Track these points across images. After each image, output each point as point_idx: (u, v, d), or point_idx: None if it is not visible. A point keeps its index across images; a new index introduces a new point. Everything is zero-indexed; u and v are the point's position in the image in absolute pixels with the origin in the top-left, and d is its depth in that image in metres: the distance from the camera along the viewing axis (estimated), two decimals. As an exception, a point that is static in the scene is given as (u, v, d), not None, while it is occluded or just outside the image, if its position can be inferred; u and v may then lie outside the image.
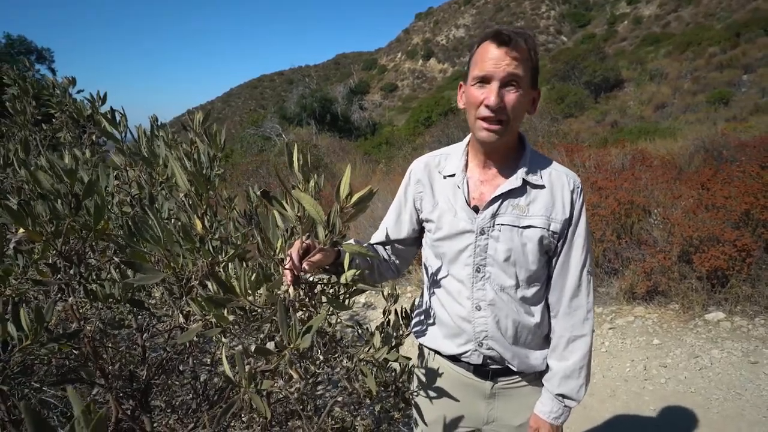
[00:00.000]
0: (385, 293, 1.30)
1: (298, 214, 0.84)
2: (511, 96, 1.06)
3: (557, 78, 22.95)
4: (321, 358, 1.09)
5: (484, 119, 1.08)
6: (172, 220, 1.09)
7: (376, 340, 1.10)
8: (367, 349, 1.10)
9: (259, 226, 0.94)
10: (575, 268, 1.18)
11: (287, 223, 0.92)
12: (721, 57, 19.90)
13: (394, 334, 1.19)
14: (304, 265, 0.91)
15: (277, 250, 0.91)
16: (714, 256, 3.81)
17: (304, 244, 0.91)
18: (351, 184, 0.82)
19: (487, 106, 1.06)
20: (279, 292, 0.87)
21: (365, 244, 1.31)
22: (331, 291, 1.14)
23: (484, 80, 1.07)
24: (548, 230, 1.14)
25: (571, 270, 1.19)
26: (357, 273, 0.94)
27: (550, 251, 1.19)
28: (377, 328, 1.15)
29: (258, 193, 0.92)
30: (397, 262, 1.35)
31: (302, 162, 0.82)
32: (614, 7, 45.92)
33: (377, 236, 1.36)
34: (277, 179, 0.86)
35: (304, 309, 0.96)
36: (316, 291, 1.03)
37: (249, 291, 0.80)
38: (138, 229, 0.84)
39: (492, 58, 1.05)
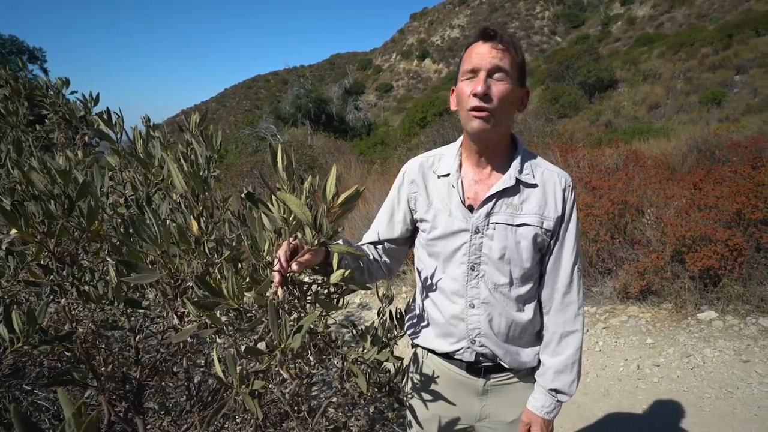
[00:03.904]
0: (380, 294, 1.30)
1: (284, 216, 0.84)
2: (498, 86, 1.09)
3: (551, 78, 23.03)
4: (311, 359, 1.09)
5: (473, 109, 1.11)
6: (167, 221, 1.08)
7: (367, 341, 1.10)
8: (359, 350, 1.10)
9: (247, 228, 0.94)
10: (567, 265, 1.20)
11: (275, 224, 0.91)
12: (714, 58, 20.04)
13: (387, 334, 1.19)
14: (293, 266, 0.91)
15: (264, 253, 0.90)
16: (706, 256, 3.84)
17: (291, 245, 0.91)
18: (345, 184, 0.82)
19: (474, 95, 1.09)
20: (268, 294, 0.86)
21: (356, 244, 1.32)
22: (325, 291, 1.15)
23: (473, 72, 1.11)
24: (541, 228, 1.17)
25: (563, 267, 1.21)
26: (346, 273, 0.94)
27: (543, 249, 1.21)
28: (367, 329, 1.15)
29: (242, 195, 0.91)
30: (389, 261, 1.36)
31: (286, 162, 0.82)
32: (608, 7, 46.14)
33: (369, 236, 1.37)
34: (270, 180, 0.85)
35: (293, 310, 0.96)
36: (309, 292, 1.03)
37: (238, 294, 0.79)
38: (136, 229, 0.84)
39: (479, 52, 1.10)
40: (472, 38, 1.15)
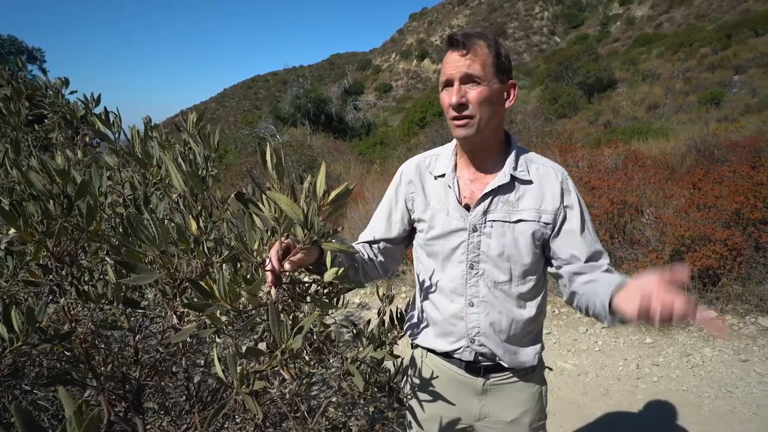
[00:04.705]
0: (380, 294, 1.30)
1: (275, 215, 0.83)
2: (472, 92, 1.11)
3: (551, 78, 23.05)
4: (307, 358, 1.09)
5: (454, 119, 1.14)
6: (166, 221, 1.08)
7: (363, 340, 1.10)
8: (357, 349, 1.10)
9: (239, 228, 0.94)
10: (582, 235, 1.18)
11: (267, 224, 0.91)
12: (713, 58, 20.07)
13: (387, 334, 1.19)
14: (286, 265, 0.90)
15: (254, 253, 0.90)
16: (705, 256, 3.84)
17: (284, 244, 0.91)
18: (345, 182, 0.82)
19: (451, 106, 1.12)
20: (261, 294, 0.86)
21: (351, 243, 1.32)
22: (325, 291, 1.15)
23: (448, 83, 1.14)
24: (539, 222, 1.17)
25: (581, 240, 1.18)
26: (340, 271, 0.94)
27: (543, 242, 1.21)
28: (361, 330, 1.15)
29: (233, 195, 0.91)
30: (385, 261, 1.36)
31: (276, 161, 0.81)
32: (607, 8, 46.17)
33: (365, 235, 1.37)
34: (268, 180, 0.85)
35: (288, 309, 0.95)
36: (309, 291, 1.03)
37: (230, 295, 0.78)
38: (134, 229, 0.84)
39: (450, 62, 1.13)
40: (444, 45, 1.17)
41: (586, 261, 1.18)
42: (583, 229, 1.19)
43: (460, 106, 1.11)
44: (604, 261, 1.20)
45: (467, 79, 1.10)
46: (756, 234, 3.94)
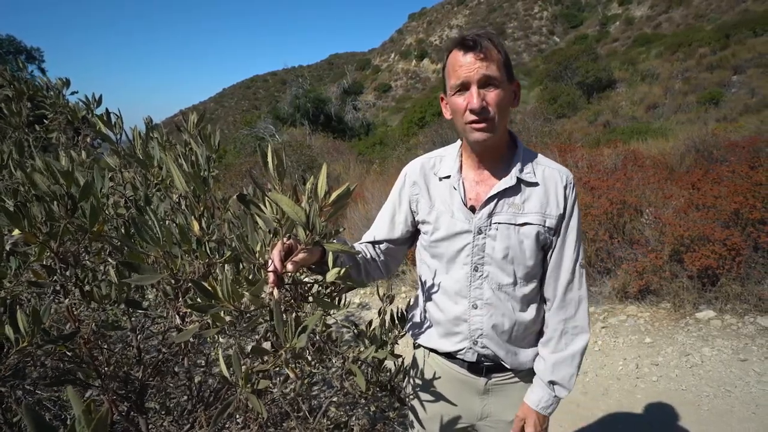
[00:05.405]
0: (381, 294, 1.31)
1: (277, 216, 0.84)
2: (491, 95, 1.09)
3: (550, 78, 23.05)
4: (309, 358, 1.09)
5: (471, 123, 1.11)
6: (167, 222, 1.09)
7: (365, 340, 1.10)
8: (358, 349, 1.10)
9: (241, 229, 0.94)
10: (569, 262, 1.21)
11: (270, 225, 0.91)
12: (712, 58, 20.08)
13: (388, 334, 1.20)
14: (288, 266, 0.90)
15: (257, 255, 0.90)
16: (704, 255, 3.85)
17: (286, 245, 0.91)
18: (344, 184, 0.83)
19: (471, 110, 1.09)
20: (263, 294, 0.86)
21: (355, 244, 1.32)
22: (326, 291, 1.15)
23: (463, 87, 1.11)
24: (544, 226, 1.17)
25: (564, 264, 1.21)
26: (341, 271, 0.94)
27: (546, 246, 1.21)
28: (362, 331, 1.15)
29: (235, 196, 0.91)
30: (387, 261, 1.36)
31: (277, 162, 0.82)
32: (606, 8, 46.17)
33: (369, 236, 1.37)
34: (269, 180, 0.85)
35: (290, 310, 0.96)
36: (310, 292, 1.04)
37: (233, 296, 0.79)
38: (137, 230, 0.84)
39: (464, 64, 1.09)
40: (452, 45, 1.13)
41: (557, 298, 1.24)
42: (568, 260, 1.22)
43: (483, 110, 1.09)
44: (570, 311, 1.23)
45: (485, 81, 1.08)
46: (755, 234, 3.94)
